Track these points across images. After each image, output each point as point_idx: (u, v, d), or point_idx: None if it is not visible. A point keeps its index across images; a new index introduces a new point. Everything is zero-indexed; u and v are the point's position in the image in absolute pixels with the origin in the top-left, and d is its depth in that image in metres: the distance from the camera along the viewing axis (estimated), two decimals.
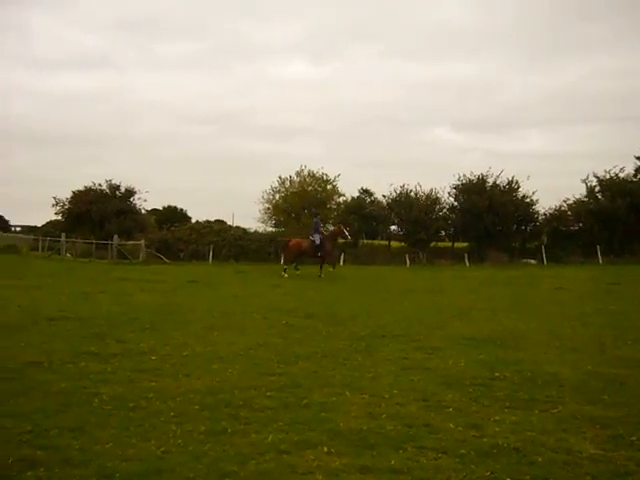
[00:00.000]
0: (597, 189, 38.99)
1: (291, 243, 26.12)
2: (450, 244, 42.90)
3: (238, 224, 45.95)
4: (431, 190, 40.93)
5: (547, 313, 13.10)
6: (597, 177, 39.08)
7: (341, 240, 29.04)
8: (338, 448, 4.90)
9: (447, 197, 40.86)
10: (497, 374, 7.39)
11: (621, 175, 38.94)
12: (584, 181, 39.36)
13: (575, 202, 38.97)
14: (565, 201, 39.32)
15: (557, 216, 38.71)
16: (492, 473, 4.40)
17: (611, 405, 6.09)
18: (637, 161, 39.73)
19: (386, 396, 6.43)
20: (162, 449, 4.86)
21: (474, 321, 11.92)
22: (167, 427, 5.38)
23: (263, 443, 5.01)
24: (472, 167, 74.31)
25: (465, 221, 39.14)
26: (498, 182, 39.54)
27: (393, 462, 4.60)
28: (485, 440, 5.08)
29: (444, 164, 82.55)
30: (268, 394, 6.50)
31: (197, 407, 6.00)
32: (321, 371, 7.64)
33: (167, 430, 5.30)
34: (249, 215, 67.01)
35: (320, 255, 24.85)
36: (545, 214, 39.49)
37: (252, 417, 5.70)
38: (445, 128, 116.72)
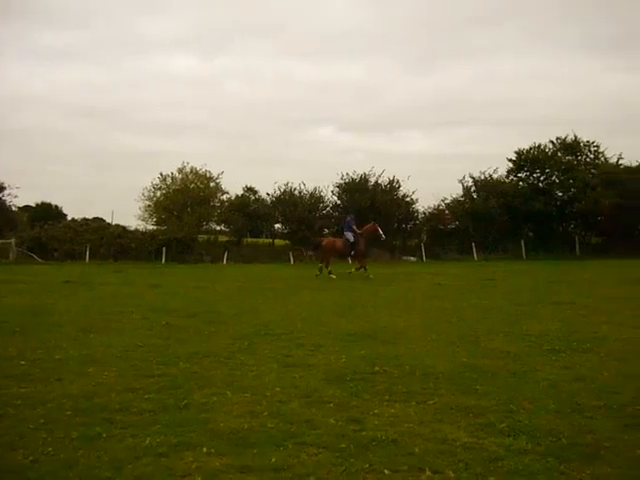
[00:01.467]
0: (473, 189, 40.87)
1: (325, 242, 24.89)
2: None
3: (118, 222, 44.65)
4: (315, 189, 41.44)
5: (426, 308, 13.52)
6: (473, 178, 41.04)
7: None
8: (218, 448, 4.82)
9: (331, 195, 41.51)
10: (377, 368, 7.52)
11: (495, 176, 41.05)
12: (461, 181, 41.20)
13: (452, 202, 40.67)
14: (443, 201, 40.97)
15: (436, 215, 40.20)
16: (370, 465, 4.47)
17: (483, 395, 6.35)
18: (509, 163, 41.94)
19: (268, 394, 6.40)
20: (31, 458, 4.60)
21: (356, 317, 12.11)
22: (36, 435, 5.10)
23: (140, 447, 4.85)
24: (356, 167, 75.64)
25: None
26: (380, 181, 40.61)
27: (274, 460, 4.58)
28: (364, 433, 5.15)
29: (329, 163, 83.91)
30: (146, 396, 6.30)
31: (70, 413, 5.72)
32: (202, 371, 7.50)
33: (36, 438, 5.02)
34: (130, 213, 65.06)
35: (353, 254, 24.44)
36: (424, 213, 40.96)
37: (129, 421, 5.51)
38: (331, 128, 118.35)
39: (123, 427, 5.32)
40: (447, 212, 40.57)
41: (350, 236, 23.69)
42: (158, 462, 4.55)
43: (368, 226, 24.57)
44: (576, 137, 41.73)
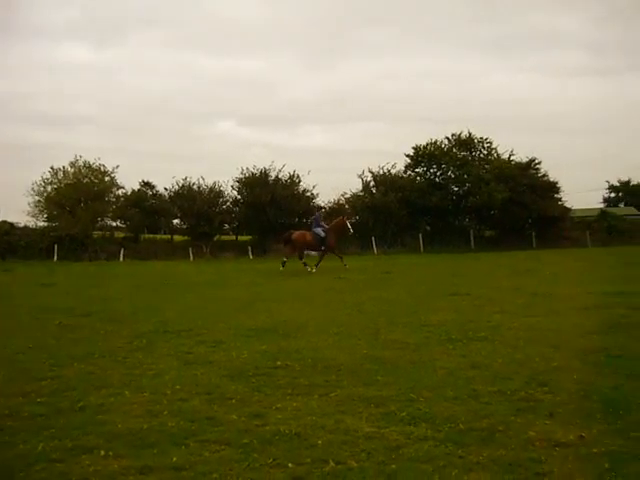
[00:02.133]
0: (372, 184, 41.58)
1: (295, 235, 24.49)
2: (234, 237, 43.27)
3: (5, 219, 42.45)
4: (214, 183, 40.98)
5: (327, 302, 13.63)
6: (372, 173, 41.71)
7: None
8: (117, 450, 4.66)
9: (231, 190, 41.17)
10: (279, 363, 7.50)
11: (393, 171, 41.92)
12: (360, 176, 41.82)
13: (352, 196, 41.23)
14: (343, 195, 41.45)
15: (336, 209, 40.60)
16: (274, 459, 4.44)
17: (384, 385, 6.44)
18: (407, 158, 42.92)
19: (168, 392, 6.25)
20: None
21: (257, 313, 12.05)
22: None
23: (32, 453, 4.62)
24: (257, 161, 75.34)
25: (248, 214, 39.72)
26: (280, 176, 40.63)
27: (175, 459, 4.47)
28: (267, 428, 5.12)
29: (229, 158, 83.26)
30: (39, 400, 6.02)
31: None
32: (98, 372, 7.24)
33: None
34: (19, 209, 62.06)
35: (323, 248, 24.17)
36: (325, 207, 41.26)
37: (20, 426, 5.23)
38: (232, 122, 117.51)
39: (13, 433, 5.06)
40: (347, 207, 41.09)
41: (320, 231, 23.99)
42: (52, 468, 4.35)
43: (337, 221, 25.15)
44: (470, 134, 43.27)
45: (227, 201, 41.37)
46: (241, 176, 40.62)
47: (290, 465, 4.36)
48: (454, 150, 42.85)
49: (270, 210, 38.44)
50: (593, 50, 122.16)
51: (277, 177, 40.53)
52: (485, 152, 43.74)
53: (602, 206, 67.52)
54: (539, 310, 11.47)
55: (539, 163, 42.89)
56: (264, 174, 40.37)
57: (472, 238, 40.64)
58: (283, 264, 23.68)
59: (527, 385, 6.33)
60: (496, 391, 6.13)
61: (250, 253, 36.72)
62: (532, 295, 13.78)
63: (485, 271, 21.81)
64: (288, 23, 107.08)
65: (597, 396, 5.88)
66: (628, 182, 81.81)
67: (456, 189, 42.27)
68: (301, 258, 23.97)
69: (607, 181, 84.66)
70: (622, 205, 77.95)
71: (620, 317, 10.43)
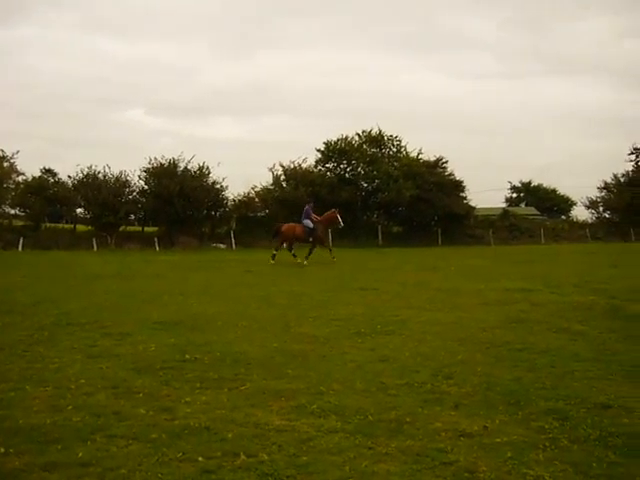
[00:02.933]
0: (282, 178, 41.59)
1: (284, 228, 24.27)
2: (140, 228, 42.30)
3: None
4: (121, 172, 39.87)
5: (236, 295, 13.53)
6: (282, 166, 41.71)
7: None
8: (18, 447, 4.46)
9: (137, 180, 40.18)
10: (188, 356, 7.39)
11: (304, 165, 42.08)
12: (271, 170, 41.75)
13: (262, 189, 41.11)
14: (253, 188, 41.24)
15: (246, 202, 40.36)
16: (184, 454, 4.38)
17: (294, 378, 6.47)
18: (317, 153, 43.18)
19: (72, 387, 6.05)
20: None
21: (165, 305, 11.83)
22: None
23: None
24: (165, 151, 73.97)
25: (156, 205, 38.89)
26: (189, 167, 39.98)
27: (81, 454, 4.34)
28: (176, 422, 5.04)
29: (137, 147, 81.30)
30: None
31: None
32: None
33: None
34: None
35: (311, 240, 23.79)
36: (234, 200, 40.97)
37: None
38: (141, 110, 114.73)
39: None
40: (257, 200, 40.94)
41: (309, 223, 23.82)
42: None
43: (328, 213, 24.94)
44: (380, 131, 44.01)
45: (134, 191, 40.31)
46: (149, 166, 39.71)
47: (200, 459, 4.30)
48: (364, 147, 43.45)
49: (178, 201, 37.73)
50: (498, 53, 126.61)
51: (186, 168, 39.82)
52: (395, 149, 44.65)
53: (504, 206, 70.18)
54: (444, 305, 11.81)
55: (446, 162, 44.30)
56: (173, 165, 39.60)
57: (380, 234, 41.37)
58: (273, 257, 23.40)
59: (433, 378, 6.51)
60: (404, 384, 6.27)
61: (157, 245, 36.01)
62: (437, 290, 14.16)
63: (393, 266, 22.25)
64: (201, 10, 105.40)
65: (500, 388, 6.12)
66: (529, 183, 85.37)
67: (365, 185, 42.94)
68: (290, 249, 24.01)
69: (509, 181, 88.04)
70: (523, 205, 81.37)
71: (521, 312, 10.88)
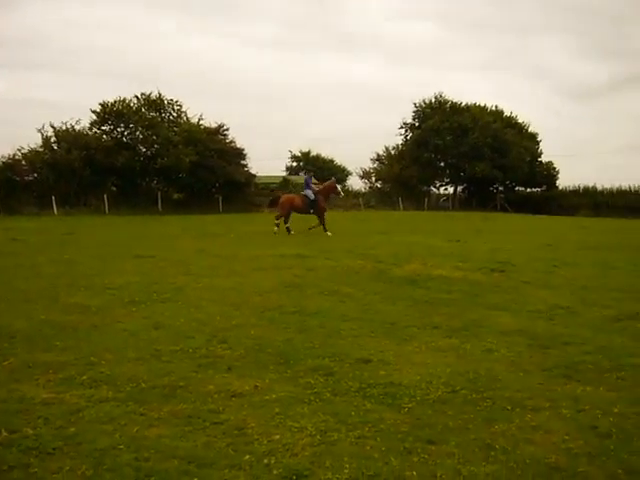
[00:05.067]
0: (53, 140, 39.04)
1: (282, 199, 22.99)
2: None
3: None
4: None
5: (1, 266, 12.59)
6: (53, 127, 39.15)
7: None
8: None
9: None
10: None
11: (77, 127, 39.81)
12: (40, 131, 38.98)
13: (30, 152, 38.25)
14: (20, 150, 38.20)
15: (11, 165, 37.32)
16: None
17: (63, 350, 6.25)
18: (93, 115, 41.05)
19: None
20: None
21: None
22: None
23: None
24: None
25: None
26: None
27: None
28: None
29: None
30: None
31: None
32: None
33: None
34: None
35: (312, 212, 22.60)
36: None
37: None
38: None
39: None
40: (24, 163, 38.03)
41: (310, 194, 22.76)
42: None
43: (327, 183, 24.10)
44: (160, 94, 42.85)
45: None
46: None
47: None
48: (143, 110, 42.07)
49: None
50: (282, 23, 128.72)
51: None
52: (175, 114, 43.82)
53: (285, 174, 72.08)
54: (222, 271, 11.96)
55: (227, 129, 44.38)
56: None
57: (160, 200, 40.55)
58: (277, 225, 22.34)
59: (208, 343, 6.64)
60: (178, 350, 6.33)
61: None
62: (216, 257, 14.27)
63: (172, 234, 21.97)
64: None
65: (271, 349, 6.42)
66: (308, 153, 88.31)
67: (144, 150, 41.68)
68: (286, 221, 22.60)
69: (290, 150, 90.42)
70: (302, 174, 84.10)
71: (295, 277, 11.35)
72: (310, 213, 23.14)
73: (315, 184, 25.19)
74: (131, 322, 7.59)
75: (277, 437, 4.24)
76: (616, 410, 4.82)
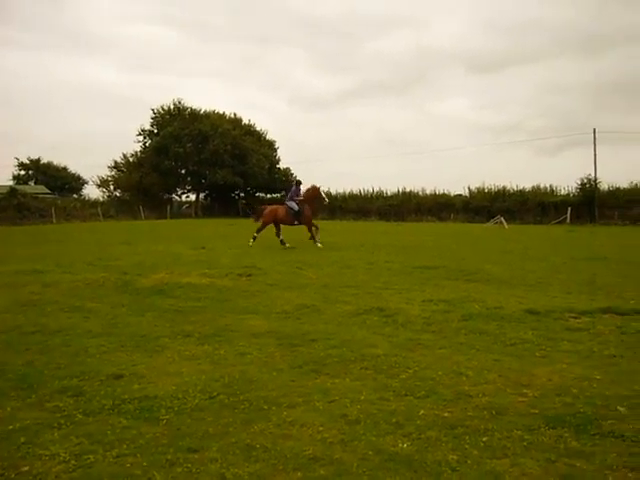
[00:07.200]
0: None
1: (266, 210, 22.49)
2: None
3: None
4: None
5: None
6: None
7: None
8: None
9: None
10: None
11: None
12: None
13: None
14: None
15: None
16: None
17: None
18: None
19: None
20: None
21: None
22: None
23: None
24: None
25: None
26: None
27: None
28: None
29: None
30: None
31: None
32: None
33: None
34: None
35: (298, 223, 21.81)
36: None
37: None
38: None
39: None
40: None
41: (294, 205, 21.75)
42: None
43: (310, 191, 22.27)
44: None
45: None
46: None
47: None
48: None
49: None
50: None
51: None
52: None
53: (12, 183, 66.81)
54: None
55: None
56: None
57: None
58: (254, 238, 22.03)
59: None
60: None
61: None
62: None
63: None
64: None
65: (11, 374, 5.92)
66: (38, 160, 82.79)
67: None
68: (278, 235, 21.88)
69: (17, 158, 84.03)
70: (32, 183, 78.59)
71: (32, 294, 10.61)
72: (295, 224, 22.27)
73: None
74: None
75: (26, 469, 3.92)
76: (362, 398, 5.21)
